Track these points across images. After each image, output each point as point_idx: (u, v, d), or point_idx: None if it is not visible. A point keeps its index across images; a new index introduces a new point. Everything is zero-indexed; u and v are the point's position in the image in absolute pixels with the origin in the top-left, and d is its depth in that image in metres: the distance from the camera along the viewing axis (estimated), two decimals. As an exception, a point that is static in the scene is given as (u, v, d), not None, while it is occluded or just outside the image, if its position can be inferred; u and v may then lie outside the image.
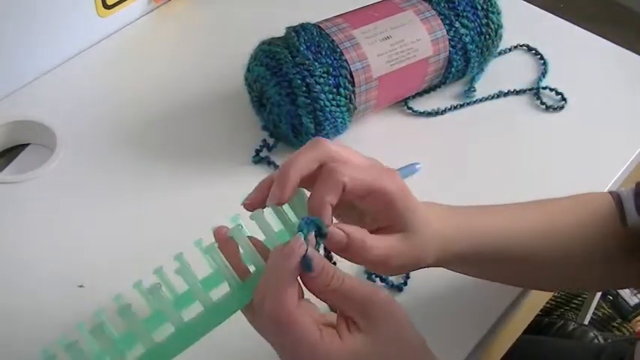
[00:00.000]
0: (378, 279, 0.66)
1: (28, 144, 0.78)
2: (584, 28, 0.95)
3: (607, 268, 0.61)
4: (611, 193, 0.62)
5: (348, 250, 0.47)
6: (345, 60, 0.73)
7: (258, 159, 0.76)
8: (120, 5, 0.88)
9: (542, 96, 0.85)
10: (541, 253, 0.58)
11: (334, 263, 0.57)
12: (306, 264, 0.43)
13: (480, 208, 0.58)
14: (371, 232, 0.49)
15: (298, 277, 0.44)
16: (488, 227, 0.56)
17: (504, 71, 0.88)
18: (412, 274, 0.66)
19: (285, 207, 0.48)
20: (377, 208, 0.50)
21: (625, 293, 1.45)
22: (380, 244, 0.48)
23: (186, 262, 0.47)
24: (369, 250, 0.48)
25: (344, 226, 0.47)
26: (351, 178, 0.47)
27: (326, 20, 0.76)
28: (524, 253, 0.58)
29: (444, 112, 0.82)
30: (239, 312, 0.48)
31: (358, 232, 0.47)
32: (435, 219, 0.52)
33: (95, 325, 0.44)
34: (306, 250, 0.43)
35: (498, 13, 0.82)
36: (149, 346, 0.46)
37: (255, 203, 0.48)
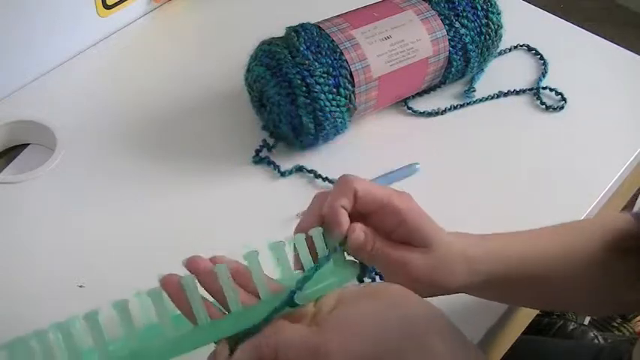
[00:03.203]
0: (377, 276, 0.66)
1: (28, 144, 0.78)
2: (584, 28, 0.95)
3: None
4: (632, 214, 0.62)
5: (366, 246, 0.49)
6: (345, 60, 0.73)
7: (258, 159, 0.76)
8: (120, 5, 0.88)
9: (542, 96, 0.85)
10: (570, 275, 0.58)
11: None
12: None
13: (511, 233, 0.59)
14: None
15: None
16: (520, 250, 0.57)
17: (504, 71, 0.88)
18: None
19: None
20: (389, 225, 0.51)
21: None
22: (398, 247, 0.51)
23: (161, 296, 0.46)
24: (386, 249, 0.50)
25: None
26: (363, 187, 0.50)
27: (326, 20, 0.76)
28: (553, 276, 0.58)
29: (444, 112, 0.82)
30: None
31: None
32: (461, 242, 0.53)
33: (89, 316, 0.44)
34: None
35: (498, 13, 0.82)
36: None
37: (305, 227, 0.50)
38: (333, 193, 0.50)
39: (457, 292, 0.55)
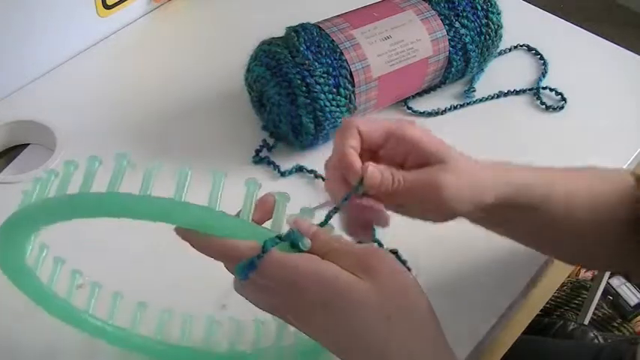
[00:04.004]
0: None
1: (28, 144, 0.78)
2: (584, 28, 0.95)
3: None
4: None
5: (385, 183, 0.48)
6: (345, 60, 0.73)
7: (258, 159, 0.76)
8: (120, 5, 0.88)
9: (542, 96, 0.85)
10: (576, 216, 0.57)
11: None
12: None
13: (521, 165, 0.57)
14: None
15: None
16: (529, 178, 0.55)
17: (504, 71, 0.88)
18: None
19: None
20: (401, 153, 0.50)
21: (625, 293, 1.45)
22: (421, 172, 0.50)
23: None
24: (410, 178, 0.49)
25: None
26: (364, 124, 0.49)
27: (326, 20, 0.76)
28: (560, 211, 0.56)
29: (444, 112, 0.82)
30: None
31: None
32: (470, 166, 0.52)
33: None
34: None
35: (498, 13, 0.82)
36: None
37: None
38: (337, 138, 0.50)
39: (484, 210, 0.53)
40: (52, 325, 0.58)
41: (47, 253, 0.53)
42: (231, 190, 0.51)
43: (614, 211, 0.58)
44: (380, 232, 0.71)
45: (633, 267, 0.62)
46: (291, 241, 0.44)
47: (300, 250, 0.44)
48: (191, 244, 0.45)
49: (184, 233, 0.45)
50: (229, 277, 0.47)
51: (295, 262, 0.43)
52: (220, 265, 0.47)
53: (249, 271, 0.43)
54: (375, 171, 0.48)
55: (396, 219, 0.71)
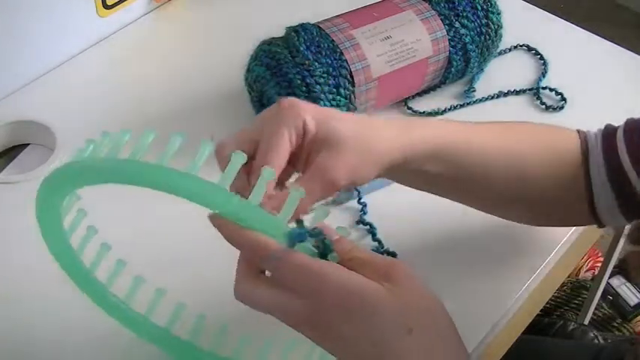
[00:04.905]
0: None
1: (28, 144, 0.78)
2: (584, 28, 0.95)
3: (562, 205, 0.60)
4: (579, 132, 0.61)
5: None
6: (345, 60, 0.73)
7: (258, 159, 0.76)
8: (120, 5, 0.88)
9: (542, 96, 0.85)
10: (506, 171, 0.57)
11: None
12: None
13: (439, 120, 0.56)
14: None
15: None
16: (450, 133, 0.55)
17: (504, 71, 0.88)
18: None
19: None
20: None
21: (625, 293, 1.45)
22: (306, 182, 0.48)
23: None
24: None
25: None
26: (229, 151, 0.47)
27: (326, 20, 0.76)
28: (483, 165, 0.56)
29: (444, 112, 0.82)
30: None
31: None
32: (360, 133, 0.50)
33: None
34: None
35: (498, 13, 0.82)
36: None
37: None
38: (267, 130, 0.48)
39: (390, 161, 0.51)
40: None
41: (84, 219, 0.52)
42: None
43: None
44: (380, 233, 0.72)
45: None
46: (322, 252, 0.43)
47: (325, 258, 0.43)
48: (224, 233, 0.43)
49: (220, 221, 0.43)
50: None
51: (321, 267, 0.42)
52: None
53: (299, 240, 0.42)
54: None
55: (395, 223, 0.71)
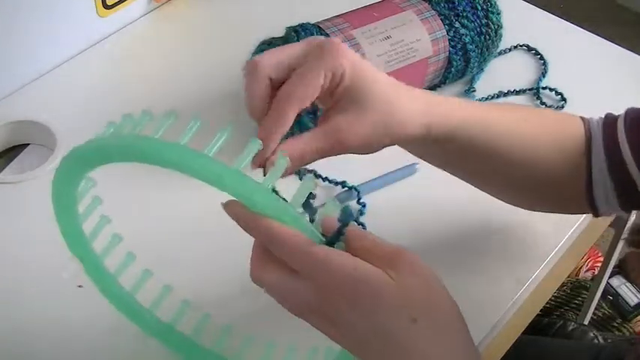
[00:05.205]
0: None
1: (28, 144, 0.78)
2: (584, 28, 0.95)
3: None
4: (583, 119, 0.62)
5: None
6: (345, 60, 0.73)
7: (258, 159, 0.76)
8: (120, 5, 0.88)
9: (542, 96, 0.85)
10: (515, 153, 0.57)
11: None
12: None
13: (458, 99, 0.56)
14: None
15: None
16: (470, 114, 0.55)
17: (504, 71, 0.88)
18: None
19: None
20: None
21: (625, 293, 1.45)
22: (316, 136, 0.49)
23: None
24: (302, 154, 0.48)
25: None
26: (271, 67, 0.48)
27: (326, 20, 0.76)
28: (498, 146, 0.56)
29: (444, 112, 0.82)
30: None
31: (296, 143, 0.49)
32: (390, 100, 0.50)
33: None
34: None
35: (498, 13, 0.82)
36: None
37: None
38: (245, 89, 0.50)
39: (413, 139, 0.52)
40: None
41: (99, 207, 0.52)
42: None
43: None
44: (379, 233, 0.71)
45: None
46: (329, 240, 0.43)
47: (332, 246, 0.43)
48: (241, 219, 0.43)
49: (238, 208, 0.43)
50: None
51: (327, 255, 0.42)
52: None
53: (350, 219, 0.43)
54: (283, 164, 0.46)
55: (394, 223, 0.71)
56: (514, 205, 0.64)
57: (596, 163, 0.58)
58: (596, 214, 0.61)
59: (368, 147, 0.50)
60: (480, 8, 0.81)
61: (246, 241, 0.44)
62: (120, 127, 0.45)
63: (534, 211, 0.66)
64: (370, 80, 0.49)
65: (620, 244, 1.15)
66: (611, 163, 0.58)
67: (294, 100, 0.47)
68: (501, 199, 0.63)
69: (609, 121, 0.60)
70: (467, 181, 0.61)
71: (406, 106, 0.50)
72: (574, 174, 0.59)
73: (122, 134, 0.44)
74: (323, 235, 0.44)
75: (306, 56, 0.48)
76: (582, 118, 0.61)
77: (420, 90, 0.53)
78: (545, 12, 0.97)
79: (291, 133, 0.50)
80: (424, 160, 0.59)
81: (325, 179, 0.74)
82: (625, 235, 1.10)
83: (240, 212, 0.43)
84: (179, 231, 0.69)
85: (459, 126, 0.53)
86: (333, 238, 0.43)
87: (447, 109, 0.53)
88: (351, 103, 0.48)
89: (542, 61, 0.89)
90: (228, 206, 0.44)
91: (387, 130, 0.50)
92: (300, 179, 0.47)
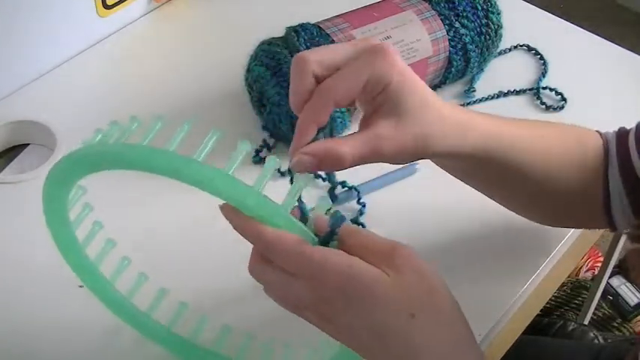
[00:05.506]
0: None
1: (28, 144, 0.78)
2: (584, 28, 0.95)
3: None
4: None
5: (325, 164, 0.47)
6: (345, 60, 0.73)
7: (258, 159, 0.76)
8: (120, 5, 0.88)
9: (542, 96, 0.85)
10: (537, 171, 0.57)
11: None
12: None
13: (484, 117, 0.56)
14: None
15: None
16: (495, 134, 0.55)
17: (504, 71, 0.88)
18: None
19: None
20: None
21: (625, 293, 1.45)
22: (356, 142, 0.48)
23: None
24: (343, 156, 0.47)
25: (308, 147, 0.48)
26: (320, 63, 0.48)
27: (326, 20, 0.76)
28: (518, 162, 0.56)
29: (444, 112, 0.82)
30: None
31: (323, 146, 0.48)
32: (431, 116, 0.50)
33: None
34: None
35: (498, 13, 0.82)
36: None
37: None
38: (291, 85, 0.50)
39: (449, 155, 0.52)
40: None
41: (89, 213, 0.52)
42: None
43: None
44: (379, 233, 0.71)
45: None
46: (323, 239, 0.43)
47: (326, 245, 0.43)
48: (234, 223, 0.43)
49: (231, 212, 0.43)
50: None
51: (322, 255, 0.42)
52: None
53: (341, 222, 0.43)
54: (307, 161, 0.47)
55: (394, 223, 0.71)
56: (537, 221, 0.65)
57: (611, 174, 0.59)
58: (614, 229, 0.61)
59: (403, 157, 0.50)
60: (480, 8, 0.81)
61: (241, 243, 0.44)
62: (107, 136, 0.45)
63: (556, 226, 0.67)
64: (416, 92, 0.49)
65: (621, 244, 1.15)
66: (624, 172, 0.59)
67: (332, 97, 0.47)
68: (525, 216, 0.64)
69: (621, 134, 0.61)
70: (489, 196, 0.62)
71: (448, 120, 0.50)
72: (593, 187, 0.60)
73: (110, 142, 0.44)
74: (316, 234, 0.44)
75: (356, 58, 0.48)
76: (599, 133, 0.62)
77: (456, 105, 0.53)
78: (545, 12, 0.97)
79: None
80: (445, 170, 0.59)
81: (325, 179, 0.74)
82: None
83: (233, 217, 0.43)
84: (175, 233, 0.69)
85: (487, 150, 0.53)
86: (326, 238, 0.43)
87: (478, 138, 0.53)
88: (395, 113, 0.48)
89: (543, 61, 0.89)
90: (223, 209, 0.44)
91: (426, 142, 0.50)
92: (291, 181, 0.46)
